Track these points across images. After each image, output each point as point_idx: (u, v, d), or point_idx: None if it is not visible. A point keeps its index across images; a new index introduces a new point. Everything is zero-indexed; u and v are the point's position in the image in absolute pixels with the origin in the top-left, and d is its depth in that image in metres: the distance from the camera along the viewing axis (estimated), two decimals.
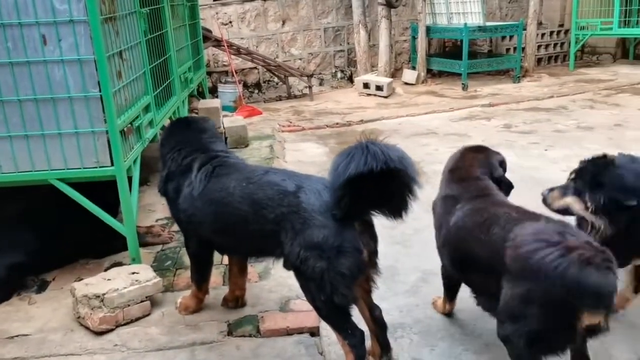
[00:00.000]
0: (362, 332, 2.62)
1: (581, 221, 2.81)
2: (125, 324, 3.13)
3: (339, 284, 2.49)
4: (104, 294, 3.07)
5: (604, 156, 2.81)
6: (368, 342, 2.76)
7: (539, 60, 11.81)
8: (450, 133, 7.18)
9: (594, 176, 2.72)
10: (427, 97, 9.51)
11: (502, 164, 3.08)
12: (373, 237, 2.66)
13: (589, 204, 2.71)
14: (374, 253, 2.66)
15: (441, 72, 10.90)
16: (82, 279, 3.35)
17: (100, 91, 3.26)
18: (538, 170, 5.58)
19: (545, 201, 2.92)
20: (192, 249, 3.20)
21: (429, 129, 7.43)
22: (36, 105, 3.24)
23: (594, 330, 2.24)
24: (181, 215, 3.07)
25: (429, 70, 10.69)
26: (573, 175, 2.86)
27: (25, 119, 3.26)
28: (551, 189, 2.92)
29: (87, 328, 3.11)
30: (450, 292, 3.15)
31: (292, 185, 2.68)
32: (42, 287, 3.63)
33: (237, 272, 3.29)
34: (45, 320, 3.24)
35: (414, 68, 10.65)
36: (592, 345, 2.80)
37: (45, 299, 3.51)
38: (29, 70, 3.18)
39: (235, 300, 3.31)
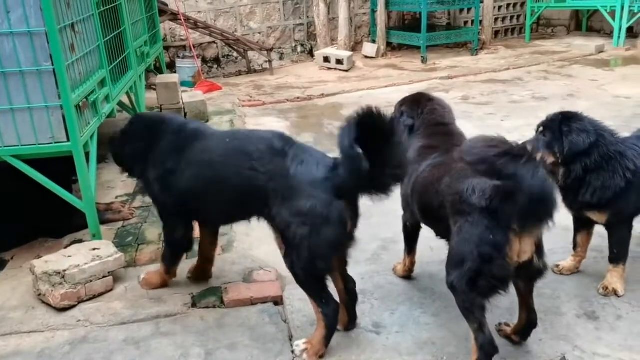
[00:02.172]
0: (337, 303, 2.70)
1: (554, 172, 2.97)
2: (87, 300, 3.13)
3: (320, 252, 2.55)
4: (64, 271, 3.05)
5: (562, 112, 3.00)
6: None
7: (496, 33, 12.00)
8: None
9: (560, 126, 2.90)
10: (388, 70, 9.57)
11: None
12: (356, 214, 2.71)
13: (558, 155, 2.91)
14: (354, 228, 2.72)
15: (401, 45, 10.96)
16: (41, 257, 3.31)
17: (52, 65, 3.18)
18: None
19: None
20: (177, 234, 3.11)
21: (389, 102, 7.43)
22: None
23: (529, 269, 2.40)
24: (178, 198, 2.94)
25: (388, 44, 10.74)
26: (541, 129, 3.01)
27: None
28: (523, 144, 3.00)
29: (49, 305, 3.09)
30: (410, 242, 3.27)
31: (279, 144, 2.71)
32: (1, 265, 3.57)
33: (208, 244, 3.31)
34: (5, 299, 3.20)
35: (374, 41, 10.67)
36: (542, 302, 2.98)
37: (3, 277, 3.46)
38: None
39: (202, 273, 3.33)
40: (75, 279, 3.07)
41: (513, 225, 2.26)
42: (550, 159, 2.94)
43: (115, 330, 2.93)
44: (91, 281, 3.14)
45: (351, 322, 2.89)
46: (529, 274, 2.47)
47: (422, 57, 9.93)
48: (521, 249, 2.33)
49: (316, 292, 2.67)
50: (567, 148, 2.87)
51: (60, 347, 2.81)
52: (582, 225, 3.23)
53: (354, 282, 2.89)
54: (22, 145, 3.30)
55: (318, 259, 2.56)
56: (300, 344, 2.70)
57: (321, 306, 2.65)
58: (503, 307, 2.90)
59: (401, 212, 4.09)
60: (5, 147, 3.28)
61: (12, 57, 3.14)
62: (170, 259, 3.22)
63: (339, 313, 2.76)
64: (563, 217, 3.73)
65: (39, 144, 3.31)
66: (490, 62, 9.80)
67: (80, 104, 3.50)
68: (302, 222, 2.54)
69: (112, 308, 3.08)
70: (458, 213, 2.43)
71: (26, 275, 3.31)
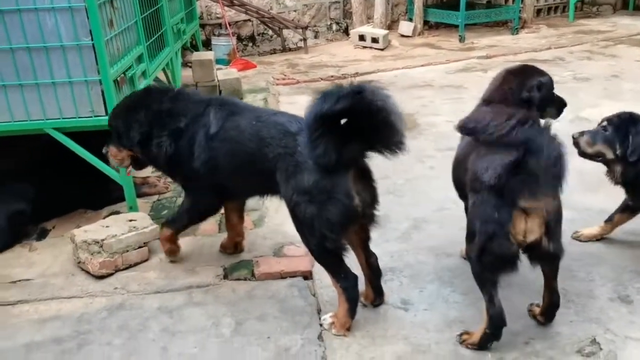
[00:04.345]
0: (355, 277, 2.71)
1: (610, 166, 3.07)
2: (124, 269, 3.24)
3: (328, 230, 2.55)
4: (102, 240, 3.16)
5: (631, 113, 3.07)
6: (362, 287, 2.86)
7: (538, 11, 11.62)
8: (446, 85, 7.16)
9: (627, 125, 2.96)
10: (424, 49, 9.41)
11: (541, 86, 2.92)
12: (368, 188, 2.71)
13: (617, 153, 2.97)
14: (369, 204, 2.71)
15: (438, 24, 10.73)
16: (81, 227, 3.43)
17: (92, 40, 3.25)
18: None
19: (577, 144, 3.08)
20: (202, 205, 3.15)
21: (424, 81, 7.40)
22: (29, 54, 3.25)
23: (539, 250, 2.40)
24: (199, 167, 2.95)
25: (425, 22, 10.53)
26: (605, 123, 3.04)
27: (18, 68, 3.26)
28: (582, 133, 3.09)
29: (88, 272, 3.21)
30: None
31: (295, 127, 2.70)
32: (42, 235, 3.72)
33: (236, 219, 3.36)
34: (47, 266, 3.34)
35: (410, 20, 10.49)
36: (575, 285, 2.94)
37: (45, 246, 3.60)
38: (20, 18, 3.17)
39: (234, 247, 3.40)
40: (113, 249, 3.17)
41: (520, 204, 2.27)
42: (608, 154, 3.01)
43: (149, 298, 3.03)
44: (127, 251, 3.24)
45: (378, 298, 2.91)
46: (540, 255, 2.46)
47: (459, 35, 9.72)
48: (527, 229, 2.34)
49: (332, 267, 2.69)
50: (632, 149, 2.93)
51: (98, 313, 2.92)
52: (630, 210, 3.24)
53: (375, 257, 2.89)
54: (63, 119, 3.40)
55: (327, 235, 2.56)
56: (327, 318, 2.74)
57: (340, 281, 2.68)
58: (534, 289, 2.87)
59: (434, 193, 4.09)
60: (47, 119, 3.39)
61: (54, 32, 3.23)
62: (185, 225, 3.25)
63: (365, 288, 2.79)
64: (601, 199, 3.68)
65: (79, 117, 3.41)
66: (531, 42, 9.52)
67: (118, 79, 3.58)
68: (307, 200, 2.56)
69: (147, 277, 3.18)
70: (473, 190, 2.48)
71: (66, 244, 3.44)
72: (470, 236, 2.49)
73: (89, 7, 3.19)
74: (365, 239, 2.84)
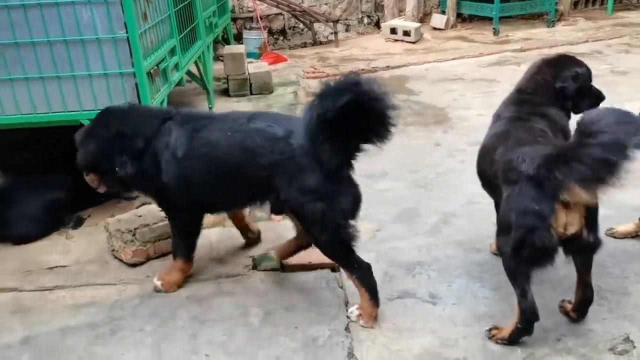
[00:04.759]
0: (368, 265, 2.73)
1: None
2: (155, 258, 3.30)
3: (342, 219, 2.61)
4: (135, 229, 3.23)
5: None
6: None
7: (575, 4, 11.32)
8: (478, 79, 7.06)
9: None
10: (456, 42, 9.29)
11: (577, 77, 2.83)
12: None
13: None
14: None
15: (472, 17, 10.57)
16: (115, 216, 3.51)
17: (127, 33, 3.32)
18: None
19: None
20: (182, 221, 3.03)
21: (456, 75, 7.31)
22: (66, 47, 3.33)
23: (579, 243, 2.34)
24: (168, 186, 2.84)
25: (459, 15, 10.39)
26: None
27: (56, 61, 3.35)
28: None
29: (121, 260, 3.29)
30: None
31: (280, 131, 2.69)
32: (78, 223, 3.82)
33: (237, 219, 3.37)
34: (82, 253, 3.43)
35: (443, 12, 10.36)
36: (610, 282, 2.88)
37: (81, 234, 3.70)
38: (58, 12, 3.25)
39: (250, 240, 3.42)
40: (145, 237, 3.24)
41: (561, 196, 2.21)
42: None
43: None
44: (159, 240, 3.31)
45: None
46: (579, 248, 2.41)
47: (494, 28, 9.56)
48: (568, 221, 2.28)
49: (345, 259, 2.72)
50: None
51: (131, 300, 2.99)
52: None
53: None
54: (98, 110, 3.47)
55: (342, 224, 2.61)
56: (354, 310, 2.75)
57: (354, 272, 2.71)
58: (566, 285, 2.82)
59: (464, 187, 4.04)
60: (83, 111, 3.48)
61: (90, 25, 3.30)
62: (185, 246, 3.07)
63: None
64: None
65: None
66: (568, 34, 9.29)
67: (152, 71, 3.64)
68: (315, 198, 2.58)
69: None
70: (507, 181, 2.43)
71: (101, 233, 3.53)
72: (503, 229, 2.44)
73: (124, 1, 3.25)
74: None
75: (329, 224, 2.61)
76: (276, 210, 2.87)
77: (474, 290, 2.96)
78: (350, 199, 2.63)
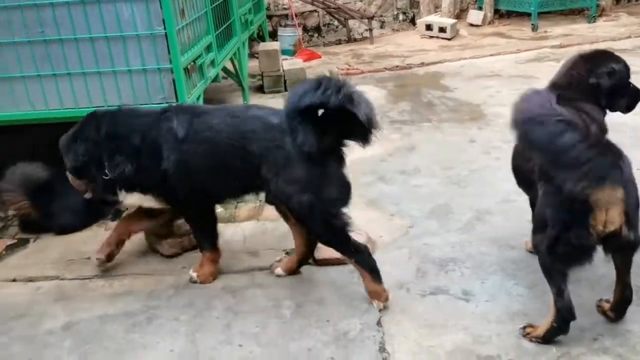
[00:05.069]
0: (365, 247, 2.80)
1: None
2: (191, 250, 3.37)
3: (332, 209, 2.69)
4: (171, 221, 3.29)
5: None
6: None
7: None
8: (515, 75, 6.94)
9: None
10: (493, 38, 9.15)
11: (613, 73, 2.76)
12: (345, 175, 2.80)
13: None
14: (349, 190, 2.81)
15: (510, 12, 10.38)
16: None
17: (165, 29, 3.39)
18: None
19: None
20: (193, 210, 3.04)
21: (492, 71, 7.20)
22: (107, 43, 3.42)
23: (618, 240, 2.27)
24: (169, 174, 2.85)
25: (496, 11, 10.22)
26: None
27: (97, 57, 3.45)
28: None
29: (157, 252, 3.37)
30: None
31: (276, 119, 2.73)
32: (116, 215, 3.92)
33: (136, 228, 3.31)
34: None
35: (480, 8, 10.21)
36: None
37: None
38: (100, 9, 3.34)
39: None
40: (181, 230, 3.31)
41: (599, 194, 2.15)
42: None
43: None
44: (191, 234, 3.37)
45: (297, 270, 3.11)
46: (618, 246, 2.34)
47: (532, 24, 9.37)
48: (607, 219, 2.22)
49: (342, 244, 2.77)
50: None
51: (167, 290, 3.06)
52: None
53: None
54: (137, 104, 3.56)
55: (332, 212, 2.68)
56: (374, 302, 2.80)
57: (353, 256, 2.76)
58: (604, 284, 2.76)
59: (499, 184, 3.99)
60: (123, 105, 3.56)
61: (130, 22, 3.39)
62: (206, 236, 3.09)
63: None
64: None
65: (152, 104, 3.57)
66: (609, 30, 9.04)
67: (189, 67, 3.71)
68: (302, 189, 2.64)
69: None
70: (545, 177, 2.38)
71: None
72: (540, 226, 2.41)
73: None
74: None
75: (318, 214, 2.67)
76: (269, 199, 2.95)
77: (508, 287, 2.92)
78: (337, 188, 2.70)
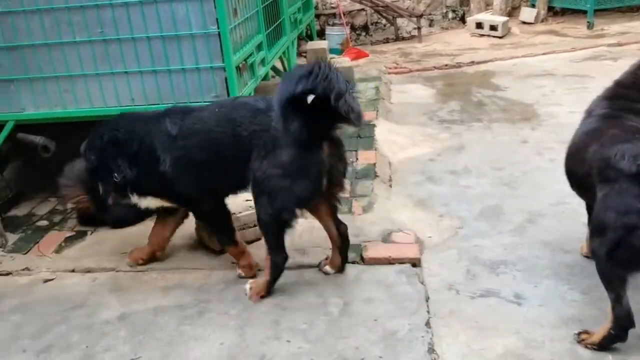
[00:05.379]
0: (286, 257, 2.93)
1: None
2: None
3: (293, 203, 2.74)
4: None
5: None
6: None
7: None
8: (569, 74, 6.72)
9: None
10: (547, 36, 8.89)
11: None
12: (342, 160, 2.87)
13: None
14: (342, 175, 2.90)
15: (564, 10, 10.06)
16: None
17: (218, 28, 3.45)
18: None
19: None
20: (206, 206, 3.09)
21: (545, 70, 7.00)
22: (163, 42, 3.52)
23: None
24: (168, 174, 2.94)
25: (550, 8, 9.92)
26: None
27: (153, 56, 3.55)
28: None
29: (208, 247, 3.44)
30: None
31: (262, 104, 2.80)
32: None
33: (166, 234, 3.39)
34: (173, 239, 3.60)
35: (533, 6, 9.94)
36: None
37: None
38: (157, 9, 3.44)
39: (148, 260, 3.38)
40: None
41: None
42: None
43: (263, 274, 3.16)
44: (244, 229, 3.42)
45: (343, 265, 3.11)
46: None
47: (588, 22, 9.05)
48: None
49: (275, 239, 2.87)
50: None
51: (217, 285, 3.12)
52: None
53: (345, 226, 3.07)
54: (190, 102, 3.65)
55: (289, 208, 2.75)
56: (248, 284, 2.98)
57: (274, 254, 2.89)
58: None
59: (552, 186, 3.88)
60: (178, 103, 3.65)
61: (185, 22, 3.47)
62: (224, 230, 3.15)
63: (333, 256, 3.10)
64: None
65: (204, 101, 3.64)
66: None
67: (240, 65, 3.77)
68: (282, 174, 2.70)
69: (260, 255, 3.30)
70: (604, 180, 2.32)
71: (190, 220, 3.69)
72: (598, 230, 2.33)
73: None
74: (335, 208, 3.03)
75: (279, 201, 2.73)
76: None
77: (561, 292, 2.84)
78: (309, 188, 2.73)
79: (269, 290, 2.96)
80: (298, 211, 2.81)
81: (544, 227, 3.48)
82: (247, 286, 2.98)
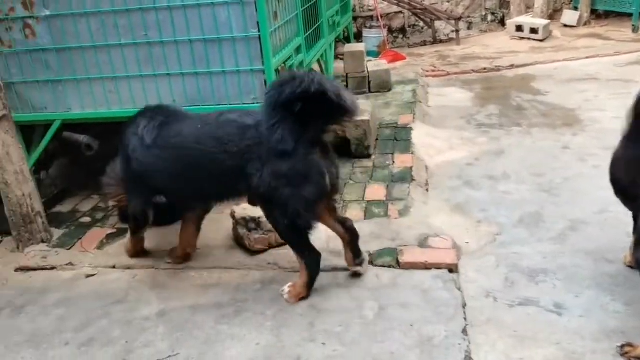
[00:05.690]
0: (319, 254, 2.94)
1: None
2: (276, 246, 3.45)
3: (303, 208, 2.74)
4: (259, 218, 3.39)
5: None
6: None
7: None
8: (614, 79, 6.54)
9: None
10: (589, 40, 8.67)
11: None
12: (333, 163, 2.87)
13: None
14: (336, 177, 2.90)
15: (608, 13, 9.80)
16: (240, 205, 3.71)
17: (259, 31, 3.49)
18: None
19: None
20: (136, 208, 3.28)
21: (588, 75, 6.83)
22: (204, 45, 3.58)
23: None
24: (138, 171, 3.10)
25: (593, 11, 9.68)
26: None
27: (195, 58, 3.62)
28: None
29: (245, 247, 3.47)
30: None
31: (250, 120, 2.80)
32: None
33: (193, 231, 3.44)
34: (210, 238, 3.66)
35: (575, 8, 9.72)
36: None
37: (209, 220, 3.93)
38: (199, 13, 3.50)
39: (183, 257, 3.46)
40: (267, 226, 3.39)
41: None
42: None
43: (298, 276, 3.18)
44: (270, 231, 3.43)
45: (357, 258, 3.10)
46: None
47: (633, 25, 8.80)
48: None
49: (300, 244, 2.91)
50: None
51: (253, 285, 3.16)
52: None
53: (350, 221, 3.09)
54: (230, 104, 3.71)
55: (301, 213, 2.74)
56: (285, 288, 2.99)
57: (305, 257, 2.92)
58: None
59: (595, 194, 3.79)
60: (217, 105, 3.72)
61: (226, 25, 3.52)
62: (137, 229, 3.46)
63: (345, 253, 3.10)
64: None
65: (243, 104, 3.69)
66: None
67: (279, 68, 3.80)
68: (285, 183, 2.70)
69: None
70: None
71: (227, 220, 3.74)
72: None
73: (258, 1, 3.42)
74: (334, 208, 3.05)
75: (290, 209, 2.74)
76: (251, 199, 3.02)
77: (604, 303, 2.77)
78: (315, 189, 2.73)
79: (308, 292, 2.97)
80: (311, 215, 2.81)
81: (586, 235, 3.40)
82: (285, 289, 3.00)
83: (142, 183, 3.15)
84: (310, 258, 2.93)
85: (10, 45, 3.78)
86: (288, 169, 2.70)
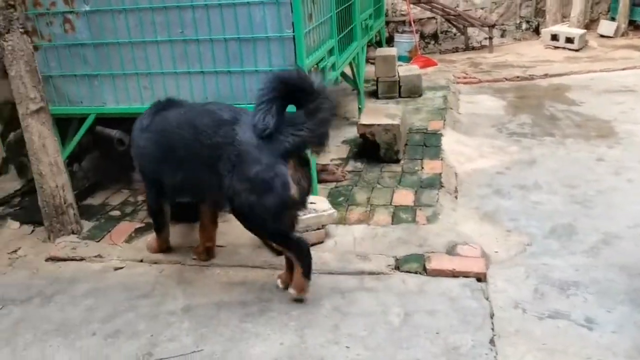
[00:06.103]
0: (307, 244, 2.92)
1: None
2: None
3: (267, 217, 2.75)
4: None
5: None
6: None
7: None
8: None
9: None
10: (627, 51, 8.49)
11: None
12: (307, 177, 2.82)
13: None
14: (306, 192, 2.83)
15: None
16: None
17: (293, 32, 3.50)
18: None
19: None
20: (150, 197, 3.37)
21: (625, 86, 6.68)
22: (239, 44, 3.60)
23: None
24: (136, 157, 3.28)
25: (631, 22, 9.48)
26: None
27: (229, 57, 3.64)
28: None
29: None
30: None
31: (228, 115, 2.80)
32: None
33: (209, 225, 3.42)
34: (235, 236, 3.67)
35: (613, 19, 9.53)
36: None
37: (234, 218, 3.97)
38: (235, 12, 3.52)
39: (205, 252, 3.46)
40: None
41: None
42: None
43: (324, 278, 3.18)
44: (307, 231, 3.44)
45: (298, 283, 2.97)
46: None
47: None
48: None
49: (282, 243, 2.91)
50: None
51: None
52: None
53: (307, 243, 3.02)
54: None
55: (267, 219, 2.75)
56: (291, 290, 2.96)
57: (291, 252, 2.90)
58: None
59: (630, 208, 3.69)
60: (249, 104, 3.73)
61: (261, 25, 3.53)
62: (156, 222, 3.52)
63: (285, 274, 3.08)
64: None
65: None
66: None
67: (312, 69, 3.80)
68: (249, 189, 2.70)
69: (322, 258, 3.34)
70: None
71: None
72: None
73: (293, 2, 3.43)
74: (293, 225, 2.97)
75: (256, 218, 2.78)
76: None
77: (637, 319, 2.69)
78: (276, 201, 2.69)
79: (308, 280, 2.93)
80: (278, 224, 2.80)
81: (620, 249, 3.31)
82: (290, 290, 2.98)
83: (146, 171, 3.27)
84: (290, 244, 2.90)
85: (50, 39, 3.86)
86: (254, 174, 2.69)
